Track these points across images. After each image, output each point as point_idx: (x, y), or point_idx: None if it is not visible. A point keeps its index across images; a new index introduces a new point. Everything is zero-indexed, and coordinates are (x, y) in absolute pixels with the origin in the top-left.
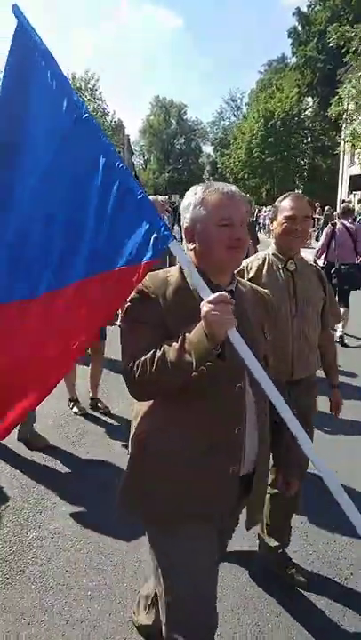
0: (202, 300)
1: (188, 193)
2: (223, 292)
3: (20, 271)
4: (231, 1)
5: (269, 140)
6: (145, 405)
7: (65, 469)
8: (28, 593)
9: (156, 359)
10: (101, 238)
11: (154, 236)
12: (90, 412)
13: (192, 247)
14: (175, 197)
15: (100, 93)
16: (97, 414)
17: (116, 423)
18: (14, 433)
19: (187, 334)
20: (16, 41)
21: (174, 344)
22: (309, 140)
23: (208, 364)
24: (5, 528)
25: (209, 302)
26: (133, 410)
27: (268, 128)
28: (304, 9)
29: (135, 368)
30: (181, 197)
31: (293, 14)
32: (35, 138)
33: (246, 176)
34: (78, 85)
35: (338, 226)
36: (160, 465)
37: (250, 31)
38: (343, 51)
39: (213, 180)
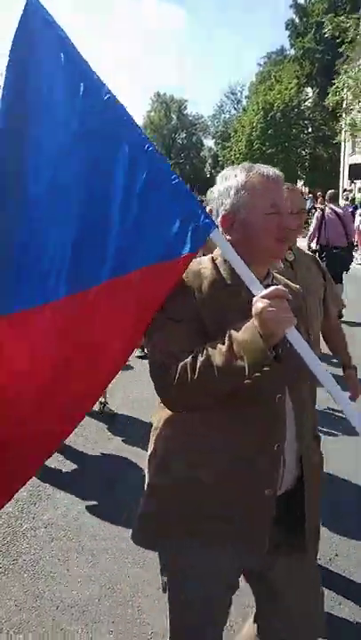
0: (250, 295)
1: (224, 174)
2: (279, 286)
3: (34, 274)
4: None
5: (269, 131)
6: (169, 419)
7: (62, 461)
8: (21, 581)
9: (198, 364)
10: (130, 232)
11: (193, 225)
12: None
13: (230, 237)
14: None
15: None
16: (96, 408)
17: (115, 416)
18: None
19: (234, 334)
20: (24, 26)
21: (220, 346)
22: (310, 130)
23: (265, 368)
24: (0, 519)
25: (264, 297)
26: (155, 421)
27: (267, 120)
28: (301, 1)
29: (171, 373)
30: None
31: (291, 6)
32: (49, 125)
33: None
34: None
35: (327, 211)
36: (185, 491)
37: (249, 24)
38: (338, 41)
39: (215, 173)
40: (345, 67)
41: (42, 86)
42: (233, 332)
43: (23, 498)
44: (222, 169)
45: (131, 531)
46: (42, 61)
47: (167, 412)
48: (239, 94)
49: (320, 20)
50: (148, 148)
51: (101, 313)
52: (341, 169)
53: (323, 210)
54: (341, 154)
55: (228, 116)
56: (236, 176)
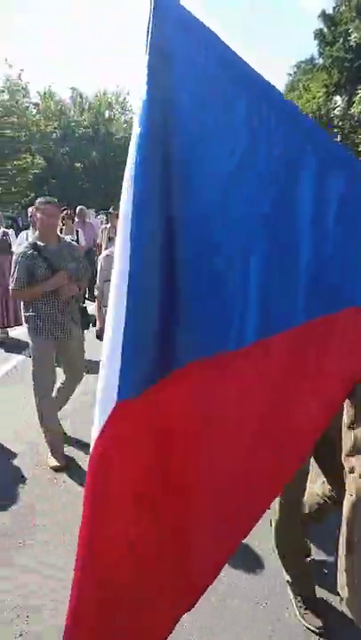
0: None
1: None
2: None
3: (224, 313)
4: (261, 7)
5: None
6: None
7: (78, 458)
8: (32, 554)
9: None
10: (331, 264)
11: None
12: None
13: None
14: None
15: (130, 106)
16: None
17: None
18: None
19: None
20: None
21: None
22: (339, 138)
23: None
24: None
25: None
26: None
27: None
28: (330, 11)
29: None
30: None
31: (319, 16)
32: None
33: None
34: (109, 100)
35: None
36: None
37: (279, 35)
38: None
39: None
40: None
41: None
42: None
43: (31, 502)
44: None
45: None
46: (195, 77)
47: None
48: None
49: (348, 28)
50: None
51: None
52: None
53: None
54: None
55: None
56: None
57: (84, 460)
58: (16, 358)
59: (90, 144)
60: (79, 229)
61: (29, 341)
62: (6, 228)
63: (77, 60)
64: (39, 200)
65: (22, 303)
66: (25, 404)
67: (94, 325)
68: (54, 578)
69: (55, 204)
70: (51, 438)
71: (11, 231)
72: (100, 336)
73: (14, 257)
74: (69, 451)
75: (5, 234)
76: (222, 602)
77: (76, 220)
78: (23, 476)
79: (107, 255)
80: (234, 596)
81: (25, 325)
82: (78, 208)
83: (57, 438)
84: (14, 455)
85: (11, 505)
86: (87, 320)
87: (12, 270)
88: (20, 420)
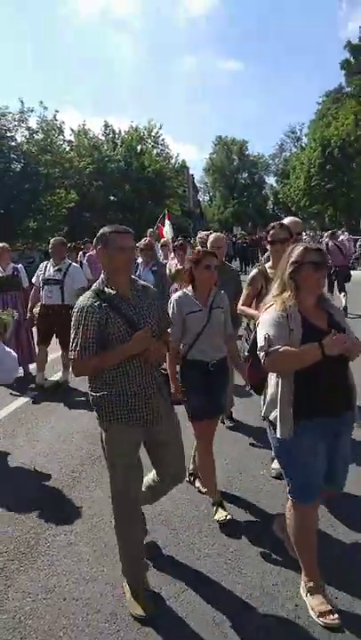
0: None
1: None
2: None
3: None
4: (289, 40)
5: (328, 167)
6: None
7: (78, 478)
8: (37, 578)
9: None
10: None
11: None
12: None
13: None
14: (237, 230)
15: (162, 139)
16: None
17: None
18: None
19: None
20: None
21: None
22: None
23: None
24: (27, 526)
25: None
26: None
27: (325, 156)
28: (356, 41)
29: None
30: (243, 229)
31: (345, 47)
32: None
33: (307, 204)
34: (142, 135)
35: (330, 244)
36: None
37: (308, 64)
38: None
39: (277, 210)
40: None
41: None
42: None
43: (49, 509)
44: (284, 206)
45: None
46: None
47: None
48: (299, 132)
49: None
50: None
51: None
52: None
53: (326, 244)
54: None
55: (288, 154)
56: None
57: None
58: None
59: (123, 178)
60: (85, 261)
61: (102, 435)
62: (40, 261)
63: (112, 98)
64: (106, 229)
65: (89, 380)
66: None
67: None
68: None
69: (130, 234)
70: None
71: (20, 266)
72: (174, 401)
73: (74, 315)
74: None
75: (16, 269)
76: None
77: (91, 251)
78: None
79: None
80: None
81: (93, 410)
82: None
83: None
84: None
85: None
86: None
87: (73, 334)
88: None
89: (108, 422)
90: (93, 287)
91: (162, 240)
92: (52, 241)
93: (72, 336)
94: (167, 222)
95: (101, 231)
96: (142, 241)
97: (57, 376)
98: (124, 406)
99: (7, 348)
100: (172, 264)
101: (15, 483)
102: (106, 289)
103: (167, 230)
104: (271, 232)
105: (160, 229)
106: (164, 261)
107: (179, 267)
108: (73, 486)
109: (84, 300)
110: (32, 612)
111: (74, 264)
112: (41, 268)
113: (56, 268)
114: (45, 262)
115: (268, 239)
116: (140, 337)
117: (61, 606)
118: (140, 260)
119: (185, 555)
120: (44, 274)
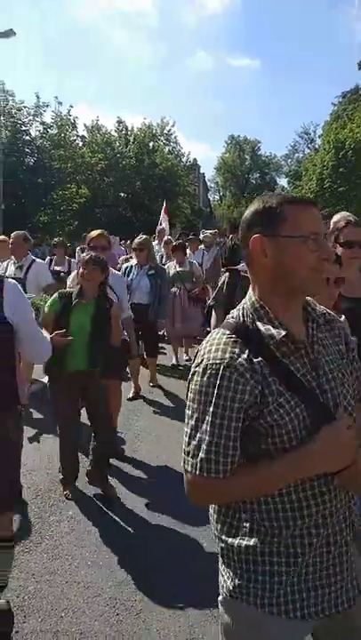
0: None
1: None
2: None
3: None
4: (306, 40)
5: (341, 169)
6: None
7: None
8: (41, 560)
9: None
10: None
11: None
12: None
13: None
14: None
15: (175, 137)
16: (150, 411)
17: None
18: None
19: None
20: None
21: None
22: None
23: None
24: (32, 512)
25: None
26: None
27: (339, 158)
28: None
29: None
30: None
31: None
32: None
33: (319, 206)
34: (155, 132)
35: None
36: None
37: (324, 65)
38: None
39: None
40: None
41: None
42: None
43: (54, 497)
44: None
45: (140, 526)
46: None
47: None
48: (312, 134)
49: None
50: None
51: None
52: None
53: None
54: None
55: (301, 155)
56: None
57: None
58: None
59: (134, 174)
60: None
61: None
62: (51, 255)
63: (125, 93)
64: (276, 199)
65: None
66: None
67: None
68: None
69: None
70: None
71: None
72: None
73: (192, 383)
74: None
75: None
76: None
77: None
78: None
79: None
80: None
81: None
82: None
83: None
84: None
85: None
86: None
87: (191, 422)
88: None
89: (258, 607)
90: (231, 319)
91: (165, 237)
92: (12, 235)
93: (188, 426)
94: (164, 216)
95: (267, 202)
96: (137, 239)
97: None
98: (294, 583)
99: (43, 332)
100: (171, 265)
101: (23, 469)
102: (261, 326)
103: (165, 225)
104: (345, 230)
105: (160, 223)
106: (167, 261)
107: (178, 268)
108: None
109: (213, 346)
110: (35, 593)
111: (38, 260)
112: (2, 266)
113: (17, 265)
114: (7, 260)
115: (342, 240)
116: (339, 434)
117: (63, 588)
118: (133, 261)
119: (184, 547)
120: (5, 272)
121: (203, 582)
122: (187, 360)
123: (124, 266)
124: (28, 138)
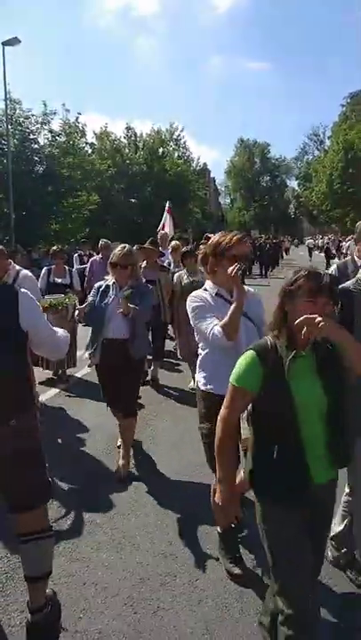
0: None
1: None
2: None
3: None
4: (316, 41)
5: (350, 170)
6: None
7: (105, 472)
8: (58, 563)
9: None
10: None
11: None
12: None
13: None
14: (255, 233)
15: (184, 142)
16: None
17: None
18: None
19: None
20: None
21: None
22: None
23: None
24: (50, 515)
25: None
26: None
27: (348, 159)
28: None
29: None
30: (262, 233)
31: None
32: None
33: (329, 207)
34: (163, 137)
35: None
36: None
37: (333, 67)
38: None
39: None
40: None
41: None
42: None
43: (71, 500)
44: (305, 209)
45: (156, 528)
46: None
47: None
48: (322, 135)
49: None
50: None
51: None
52: None
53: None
54: None
55: (311, 157)
56: None
57: None
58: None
59: (144, 180)
60: (75, 269)
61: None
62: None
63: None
64: None
65: None
66: None
67: None
68: None
69: None
70: None
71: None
72: None
73: None
74: None
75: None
76: None
77: (97, 256)
78: None
79: None
80: None
81: None
82: (102, 242)
83: None
84: None
85: None
86: None
87: None
88: None
89: None
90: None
91: (172, 243)
92: None
93: None
94: (168, 216)
95: None
96: (117, 250)
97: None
98: None
99: (60, 331)
100: (183, 274)
101: None
102: None
103: (168, 225)
104: None
105: (163, 226)
106: (175, 270)
107: (192, 278)
108: (93, 479)
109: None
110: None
111: (23, 271)
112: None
113: None
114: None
115: None
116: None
117: (81, 590)
118: (109, 279)
119: (201, 548)
120: None
121: (219, 581)
122: None
123: (97, 284)
124: (36, 146)
